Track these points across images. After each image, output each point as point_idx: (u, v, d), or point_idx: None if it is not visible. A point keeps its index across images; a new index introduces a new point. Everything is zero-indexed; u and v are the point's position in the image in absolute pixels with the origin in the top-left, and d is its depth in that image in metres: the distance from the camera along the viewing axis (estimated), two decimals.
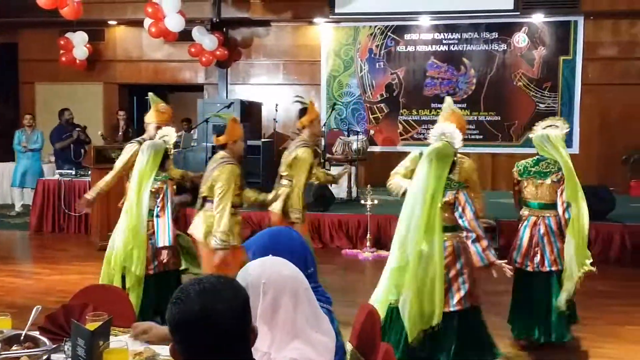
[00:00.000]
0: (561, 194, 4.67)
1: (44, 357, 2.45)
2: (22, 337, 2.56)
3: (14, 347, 2.51)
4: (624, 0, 10.54)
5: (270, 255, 2.01)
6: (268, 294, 1.82)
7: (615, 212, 8.27)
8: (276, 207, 5.49)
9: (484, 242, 4.01)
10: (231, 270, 4.56)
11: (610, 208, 8.17)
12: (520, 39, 11.42)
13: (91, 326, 2.38)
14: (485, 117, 11.60)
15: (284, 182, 5.60)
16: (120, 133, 11.26)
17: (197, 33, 11.56)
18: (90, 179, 8.78)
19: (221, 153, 4.87)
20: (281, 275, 1.88)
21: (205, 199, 4.79)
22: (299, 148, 5.52)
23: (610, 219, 8.19)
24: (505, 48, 11.50)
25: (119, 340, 2.53)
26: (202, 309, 1.53)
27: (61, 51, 12.05)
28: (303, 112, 5.81)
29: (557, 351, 4.83)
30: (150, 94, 5.65)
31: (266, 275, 1.86)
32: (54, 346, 2.53)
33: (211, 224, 4.64)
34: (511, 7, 10.84)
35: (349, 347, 2.59)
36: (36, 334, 2.63)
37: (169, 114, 5.45)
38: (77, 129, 10.69)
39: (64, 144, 10.65)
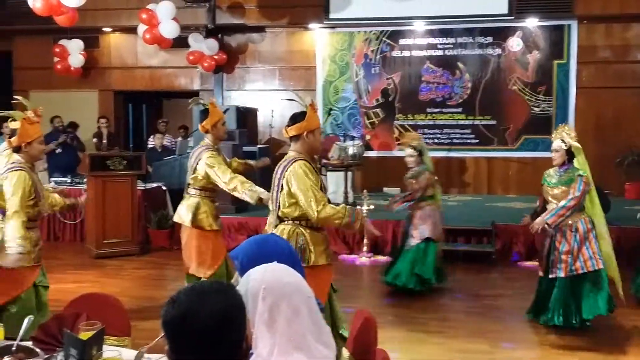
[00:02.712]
0: None
1: None
2: (14, 348, 2.54)
3: (5, 358, 2.48)
4: (616, 5, 10.57)
5: (258, 262, 2.00)
6: (267, 300, 1.81)
7: (611, 214, 8.25)
8: (187, 219, 5.15)
9: None
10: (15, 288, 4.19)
11: (605, 211, 8.14)
12: (514, 43, 11.44)
13: (84, 335, 2.36)
14: (480, 122, 11.60)
15: (192, 191, 5.24)
16: (104, 140, 11.25)
17: (193, 40, 11.56)
18: (85, 187, 8.76)
19: (14, 157, 4.28)
20: (281, 282, 1.87)
21: None
22: (204, 153, 5.08)
23: (606, 222, 8.17)
24: (500, 52, 11.51)
25: (113, 349, 2.51)
26: (184, 311, 1.59)
27: (56, 59, 12.04)
28: (205, 114, 5.24)
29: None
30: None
31: (266, 281, 1.85)
32: (47, 356, 2.51)
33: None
34: (505, 11, 10.87)
35: (345, 353, 2.58)
36: (29, 344, 2.60)
37: None
38: (66, 134, 10.62)
39: (46, 149, 10.66)
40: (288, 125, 3.98)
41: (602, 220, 5.59)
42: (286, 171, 3.86)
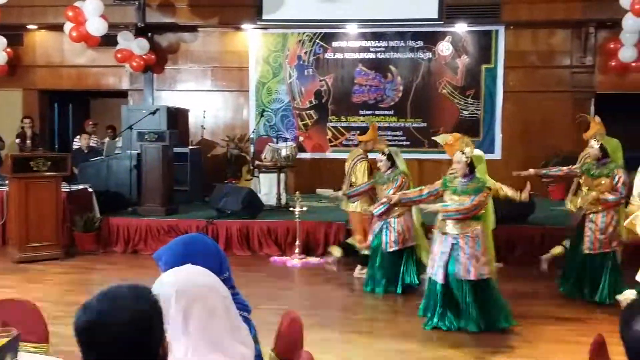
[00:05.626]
0: None
1: None
2: None
3: None
4: (542, 11, 10.90)
5: (184, 261, 1.95)
6: (180, 303, 1.77)
7: (536, 215, 8.55)
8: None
9: None
10: None
11: (530, 212, 8.44)
12: (444, 48, 11.68)
13: None
14: (412, 124, 11.79)
15: None
16: (28, 141, 10.87)
17: (122, 38, 11.29)
18: (7, 189, 8.41)
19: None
20: (195, 284, 1.82)
21: None
22: None
23: (531, 222, 8.47)
24: (431, 56, 11.73)
25: (30, 356, 2.41)
26: (96, 317, 1.51)
27: None
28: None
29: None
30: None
31: (179, 283, 1.81)
32: None
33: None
34: (435, 16, 11.08)
35: (269, 352, 2.55)
36: None
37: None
38: None
39: None
40: None
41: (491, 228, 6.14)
42: None
